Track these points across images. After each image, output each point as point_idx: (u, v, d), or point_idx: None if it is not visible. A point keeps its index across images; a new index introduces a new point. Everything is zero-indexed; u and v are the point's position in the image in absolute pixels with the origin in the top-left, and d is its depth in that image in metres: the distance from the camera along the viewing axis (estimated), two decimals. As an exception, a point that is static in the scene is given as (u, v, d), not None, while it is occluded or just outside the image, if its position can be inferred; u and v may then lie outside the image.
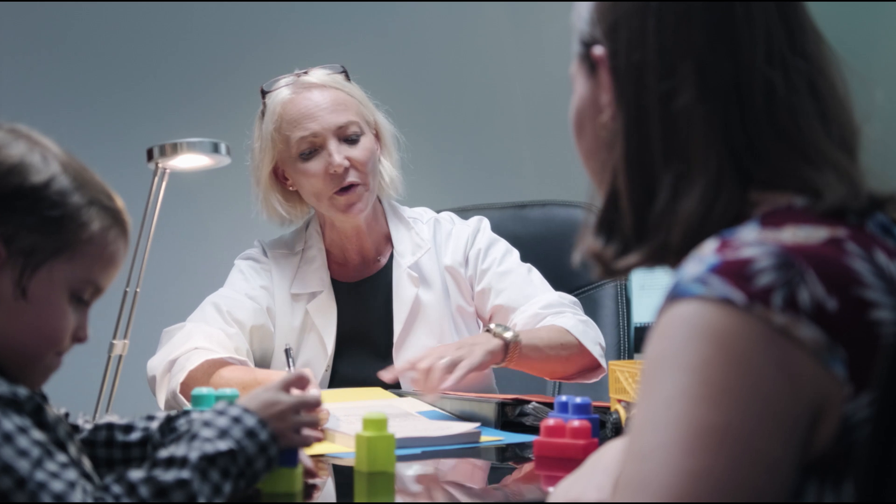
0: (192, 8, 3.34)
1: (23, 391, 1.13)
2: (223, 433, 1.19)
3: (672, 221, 0.95)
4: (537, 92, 3.68)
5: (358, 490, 1.41)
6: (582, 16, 1.03)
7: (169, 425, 1.31)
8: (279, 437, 1.25)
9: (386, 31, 3.57)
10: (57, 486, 1.08)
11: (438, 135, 3.59)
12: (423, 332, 2.18)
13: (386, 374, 1.95)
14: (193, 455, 1.16)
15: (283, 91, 2.17)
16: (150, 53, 3.33)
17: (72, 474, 1.10)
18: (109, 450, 1.32)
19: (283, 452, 1.28)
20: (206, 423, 1.20)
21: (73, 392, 1.50)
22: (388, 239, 2.26)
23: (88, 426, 1.33)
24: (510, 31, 3.74)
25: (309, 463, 1.42)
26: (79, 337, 1.23)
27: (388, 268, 2.23)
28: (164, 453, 1.16)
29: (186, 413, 1.32)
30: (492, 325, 1.98)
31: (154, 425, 1.32)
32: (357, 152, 2.15)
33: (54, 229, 1.17)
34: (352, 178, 2.13)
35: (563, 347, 2.05)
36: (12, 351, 1.17)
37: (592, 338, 2.09)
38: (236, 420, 1.21)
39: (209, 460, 1.16)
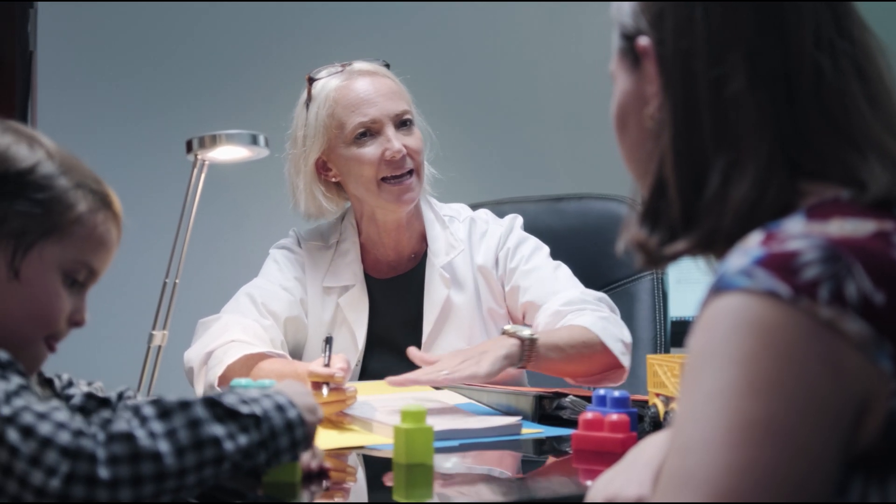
0: (233, 2, 3.36)
1: (4, 355, 1.14)
2: (252, 401, 1.19)
3: (723, 208, 0.94)
4: (573, 85, 3.66)
5: (396, 482, 1.41)
6: (623, 10, 1.02)
7: None
8: (307, 424, 1.24)
9: (423, 24, 3.57)
10: (39, 407, 1.08)
11: (474, 128, 3.58)
12: (453, 335, 2.16)
13: (393, 380, 1.82)
14: (204, 397, 1.17)
15: (333, 78, 2.16)
16: (190, 46, 3.35)
17: (55, 403, 1.11)
18: None
19: None
20: (237, 392, 1.21)
21: (113, 383, 1.51)
22: (424, 237, 2.23)
23: (131, 402, 1.35)
24: (547, 25, 3.73)
25: (320, 456, 1.40)
26: (76, 321, 1.25)
27: (422, 266, 2.21)
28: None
29: None
30: (507, 326, 1.91)
31: None
32: (412, 141, 2.15)
33: (42, 211, 1.20)
34: (409, 165, 2.13)
35: (585, 346, 1.96)
36: (5, 333, 1.19)
37: (614, 335, 2.00)
38: (267, 396, 1.22)
39: (230, 413, 1.15)
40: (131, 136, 3.27)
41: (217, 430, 1.13)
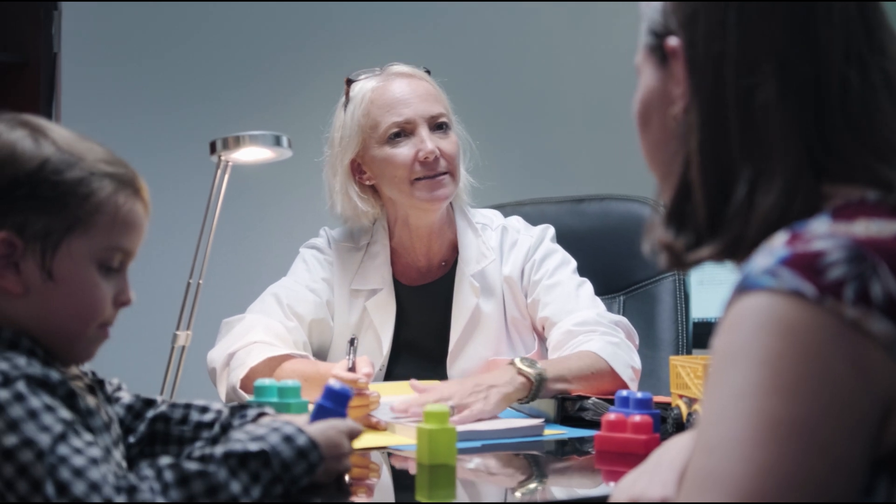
0: (256, 2, 3.38)
1: (55, 375, 1.14)
2: (258, 438, 1.21)
3: (750, 216, 0.94)
4: (595, 85, 3.66)
5: (419, 482, 1.41)
6: (654, 6, 1.02)
7: (241, 409, 1.34)
8: (322, 446, 1.25)
9: (444, 25, 3.57)
10: (78, 461, 1.09)
11: (495, 128, 3.58)
12: (480, 344, 2.14)
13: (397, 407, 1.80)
14: (219, 450, 1.18)
15: (371, 80, 2.16)
16: (214, 47, 3.37)
17: (95, 451, 1.11)
18: (182, 427, 1.34)
19: None
20: (246, 431, 1.23)
21: (137, 383, 1.51)
22: (455, 245, 2.21)
23: (164, 407, 1.36)
24: (569, 25, 3.72)
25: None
26: (122, 302, 1.24)
27: (452, 274, 2.19)
28: (200, 450, 1.19)
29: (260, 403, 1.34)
30: (516, 360, 1.87)
31: (227, 409, 1.35)
32: (447, 144, 2.14)
33: (59, 208, 1.18)
34: (442, 167, 2.12)
35: (594, 375, 1.94)
36: (54, 332, 1.20)
37: (623, 360, 1.98)
38: (275, 429, 1.23)
39: (239, 460, 1.17)
40: (155, 137, 3.28)
41: (233, 488, 1.16)
